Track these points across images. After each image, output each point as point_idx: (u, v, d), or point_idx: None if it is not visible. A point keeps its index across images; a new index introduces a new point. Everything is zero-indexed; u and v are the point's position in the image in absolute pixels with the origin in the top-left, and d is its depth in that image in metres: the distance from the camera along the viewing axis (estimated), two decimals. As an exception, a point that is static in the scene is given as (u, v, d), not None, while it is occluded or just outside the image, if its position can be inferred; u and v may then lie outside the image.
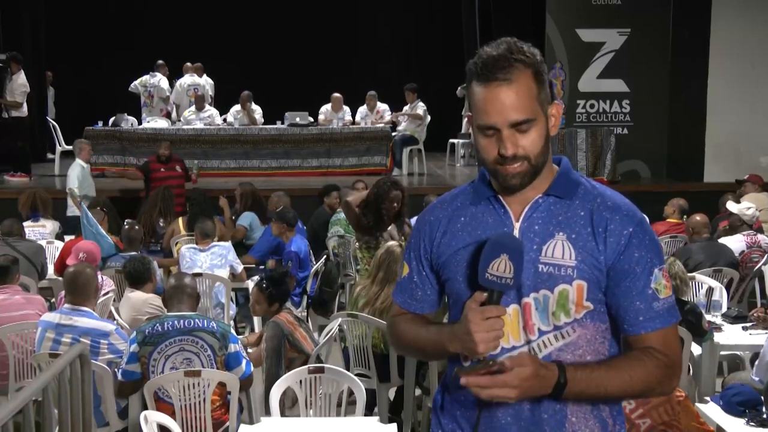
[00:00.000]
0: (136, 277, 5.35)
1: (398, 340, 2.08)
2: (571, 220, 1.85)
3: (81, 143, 9.59)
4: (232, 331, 4.25)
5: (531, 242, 1.84)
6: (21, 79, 10.92)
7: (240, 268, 6.61)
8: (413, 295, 2.03)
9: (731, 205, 7.20)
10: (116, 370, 4.35)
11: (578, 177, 1.92)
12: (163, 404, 3.96)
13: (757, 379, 4.32)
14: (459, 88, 13.34)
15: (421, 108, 11.88)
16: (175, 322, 4.08)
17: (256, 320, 6.38)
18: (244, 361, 4.17)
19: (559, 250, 1.83)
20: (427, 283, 2.01)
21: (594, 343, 1.87)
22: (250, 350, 4.75)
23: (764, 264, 6.33)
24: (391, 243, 5.22)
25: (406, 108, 12.03)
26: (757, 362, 4.36)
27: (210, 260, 6.46)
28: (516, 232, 1.86)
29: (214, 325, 4.13)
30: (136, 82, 12.46)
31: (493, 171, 1.85)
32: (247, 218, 7.77)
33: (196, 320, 4.11)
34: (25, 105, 11.03)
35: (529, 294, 1.84)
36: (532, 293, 1.84)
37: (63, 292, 5.28)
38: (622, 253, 1.82)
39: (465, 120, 13.15)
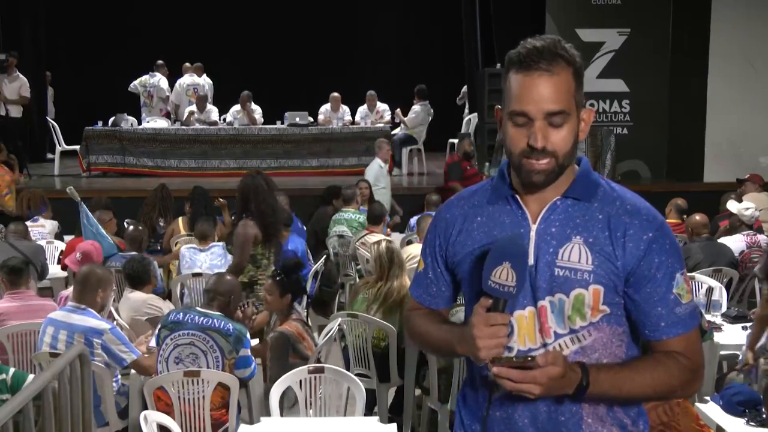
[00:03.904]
0: (135, 278, 5.35)
1: (413, 334, 2.09)
2: (589, 223, 1.82)
3: (381, 142, 9.79)
4: (248, 335, 4.30)
5: (548, 245, 1.82)
6: (22, 77, 10.98)
7: (240, 268, 6.61)
8: (428, 290, 2.03)
9: (731, 205, 7.19)
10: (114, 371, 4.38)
11: (597, 178, 1.88)
12: (164, 394, 3.97)
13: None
14: (457, 99, 13.44)
15: (413, 112, 11.92)
16: (196, 316, 4.19)
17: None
18: (252, 365, 4.29)
19: (576, 254, 1.80)
20: (441, 279, 2.00)
21: (610, 346, 1.85)
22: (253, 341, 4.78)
23: (764, 264, 6.32)
24: (384, 241, 5.27)
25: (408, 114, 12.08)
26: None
27: (210, 260, 6.46)
28: (533, 234, 1.83)
29: (231, 327, 4.18)
30: (136, 82, 12.47)
31: (517, 164, 1.81)
32: (249, 219, 7.78)
33: (215, 320, 4.18)
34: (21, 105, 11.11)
35: (544, 297, 1.82)
36: (548, 296, 1.82)
37: (63, 292, 5.30)
38: (642, 258, 1.78)
39: (465, 120, 13.17)
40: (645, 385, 1.80)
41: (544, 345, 1.84)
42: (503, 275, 1.72)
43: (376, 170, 9.32)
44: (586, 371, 1.76)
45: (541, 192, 1.84)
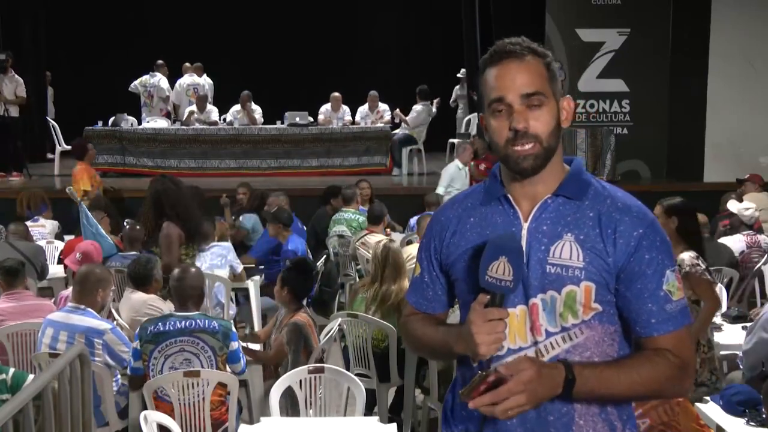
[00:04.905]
0: (137, 279, 5.33)
1: (410, 339, 2.09)
2: (580, 221, 1.83)
3: (466, 144, 9.76)
4: (233, 328, 4.27)
5: (539, 243, 1.83)
6: (18, 77, 11.00)
7: (240, 268, 6.62)
8: (424, 295, 2.03)
9: (732, 205, 7.19)
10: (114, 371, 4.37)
11: (589, 178, 1.90)
12: (162, 403, 3.97)
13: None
14: (450, 102, 13.47)
15: (414, 112, 11.92)
16: (177, 322, 4.10)
17: (256, 319, 6.39)
18: (242, 359, 4.24)
19: (567, 251, 1.81)
20: (437, 283, 2.01)
21: (602, 345, 1.85)
22: (253, 346, 4.77)
23: (764, 264, 6.33)
24: (384, 240, 5.26)
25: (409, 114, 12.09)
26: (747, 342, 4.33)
27: (210, 260, 6.45)
28: (524, 232, 1.85)
29: (215, 324, 4.13)
30: (136, 82, 12.46)
31: (504, 156, 1.84)
32: (250, 220, 7.83)
33: (198, 320, 4.11)
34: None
35: (536, 294, 1.83)
36: (540, 294, 1.82)
37: (63, 292, 5.30)
38: (633, 255, 1.80)
39: (465, 120, 13.18)
40: (633, 381, 1.79)
41: (535, 343, 1.84)
42: (500, 270, 1.74)
43: (452, 171, 9.26)
44: (569, 367, 1.76)
45: (532, 188, 1.86)
